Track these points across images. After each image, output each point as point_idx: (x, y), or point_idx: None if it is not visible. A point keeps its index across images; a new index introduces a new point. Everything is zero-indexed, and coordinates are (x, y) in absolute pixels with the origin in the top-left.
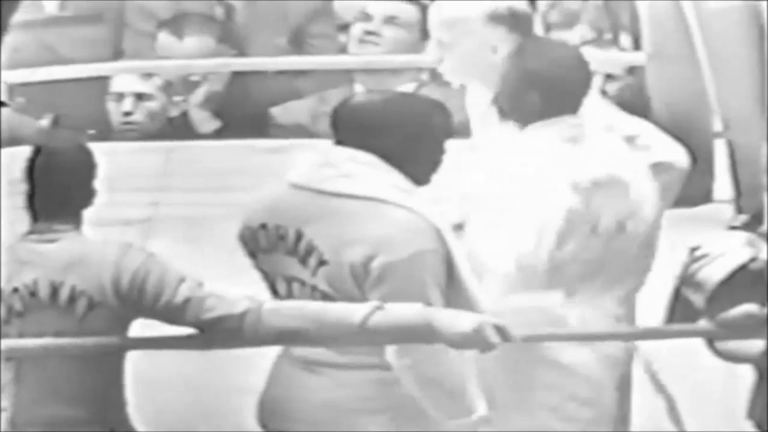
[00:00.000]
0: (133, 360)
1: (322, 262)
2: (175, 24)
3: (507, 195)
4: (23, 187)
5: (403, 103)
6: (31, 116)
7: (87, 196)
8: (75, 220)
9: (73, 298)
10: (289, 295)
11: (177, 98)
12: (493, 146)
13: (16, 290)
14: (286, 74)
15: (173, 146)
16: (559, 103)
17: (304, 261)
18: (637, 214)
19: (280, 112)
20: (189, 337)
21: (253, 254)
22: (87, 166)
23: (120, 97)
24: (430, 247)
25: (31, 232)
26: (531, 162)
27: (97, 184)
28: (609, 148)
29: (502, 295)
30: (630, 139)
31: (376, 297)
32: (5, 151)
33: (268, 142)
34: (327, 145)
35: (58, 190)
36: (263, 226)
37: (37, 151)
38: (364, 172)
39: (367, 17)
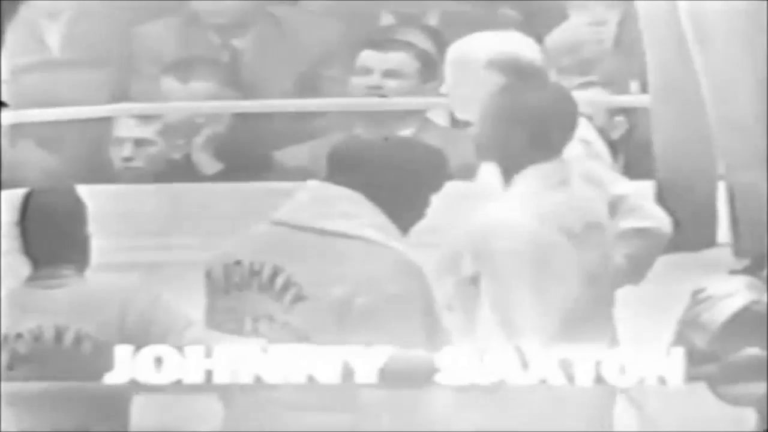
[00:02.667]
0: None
1: (299, 298)
2: (180, 68)
3: (515, 249)
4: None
5: (399, 146)
6: (31, 158)
7: (82, 240)
8: (78, 265)
9: (78, 341)
10: (255, 333)
11: (179, 141)
12: (489, 197)
13: (20, 336)
14: (292, 117)
15: (178, 189)
16: (547, 144)
17: (278, 297)
18: (610, 259)
19: (283, 156)
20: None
21: (218, 292)
22: (77, 211)
23: (120, 141)
24: (413, 288)
25: (33, 278)
26: (529, 211)
27: (91, 228)
28: (590, 192)
29: (546, 347)
30: (618, 199)
31: (358, 335)
32: (7, 193)
33: (271, 185)
34: (316, 184)
35: (53, 235)
36: (238, 263)
37: (27, 195)
38: (351, 211)
39: (367, 71)
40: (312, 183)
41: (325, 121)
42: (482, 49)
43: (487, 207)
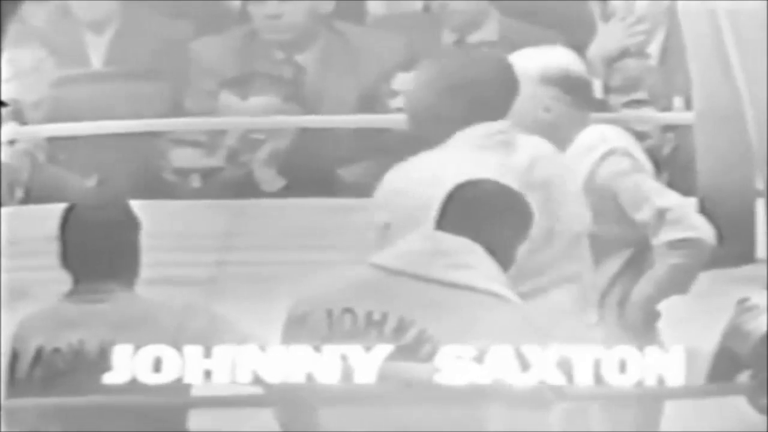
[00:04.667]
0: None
1: (434, 353)
2: (239, 84)
3: (428, 201)
4: (58, 246)
5: (508, 195)
6: (75, 173)
7: (133, 255)
8: (126, 280)
9: None
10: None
11: (242, 159)
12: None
13: (57, 350)
14: (355, 133)
15: (238, 205)
16: (485, 108)
17: (411, 351)
18: (564, 219)
19: (346, 172)
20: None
21: (313, 339)
22: (130, 226)
23: (186, 173)
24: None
25: (74, 292)
26: (464, 171)
27: (144, 243)
28: (539, 152)
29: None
30: (661, 212)
31: None
32: (39, 207)
33: (334, 201)
34: (429, 230)
35: (104, 249)
36: (348, 310)
37: (71, 209)
38: (473, 262)
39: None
40: (425, 230)
41: (388, 137)
42: (534, 65)
43: (417, 158)
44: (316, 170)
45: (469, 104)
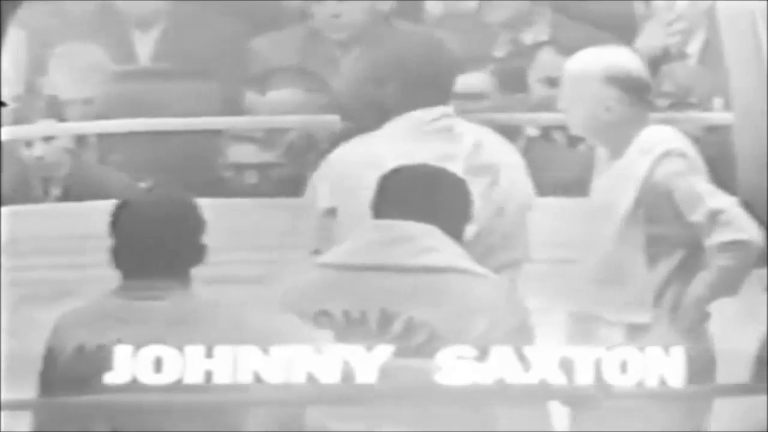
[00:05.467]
0: None
1: (434, 338)
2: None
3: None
4: (108, 243)
5: (443, 177)
6: (126, 171)
7: (196, 253)
8: (183, 278)
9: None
10: None
11: (302, 158)
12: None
13: (102, 347)
14: None
15: (297, 203)
16: (422, 93)
17: (403, 338)
18: (513, 198)
19: None
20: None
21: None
22: (194, 222)
23: (241, 168)
24: (521, 310)
25: (125, 289)
26: (393, 150)
27: (208, 240)
28: (482, 137)
29: None
30: (714, 213)
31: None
32: (84, 205)
33: None
34: (379, 221)
35: (163, 246)
36: (324, 313)
37: (123, 206)
38: (440, 245)
39: (455, 97)
40: (373, 222)
41: None
42: (598, 65)
43: (352, 143)
44: None
45: (404, 90)
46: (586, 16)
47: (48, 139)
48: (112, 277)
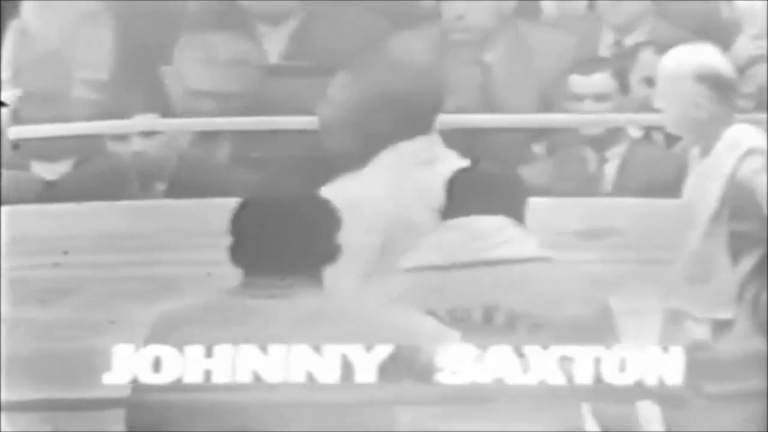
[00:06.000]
0: None
1: (535, 326)
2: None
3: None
4: (227, 240)
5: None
6: (246, 167)
7: (330, 251)
8: (314, 276)
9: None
10: None
11: None
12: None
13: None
14: (530, 133)
15: None
16: (412, 123)
17: (504, 332)
18: None
19: (527, 172)
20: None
21: None
22: (329, 220)
23: None
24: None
25: (248, 286)
26: (386, 186)
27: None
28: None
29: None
30: None
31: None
32: (204, 202)
33: None
34: (455, 221)
35: (293, 243)
36: (432, 313)
37: (248, 202)
38: (518, 235)
39: (577, 98)
40: (453, 221)
41: (554, 138)
42: (688, 62)
43: (343, 182)
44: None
45: (394, 120)
46: (684, 22)
47: (149, 134)
48: (227, 274)
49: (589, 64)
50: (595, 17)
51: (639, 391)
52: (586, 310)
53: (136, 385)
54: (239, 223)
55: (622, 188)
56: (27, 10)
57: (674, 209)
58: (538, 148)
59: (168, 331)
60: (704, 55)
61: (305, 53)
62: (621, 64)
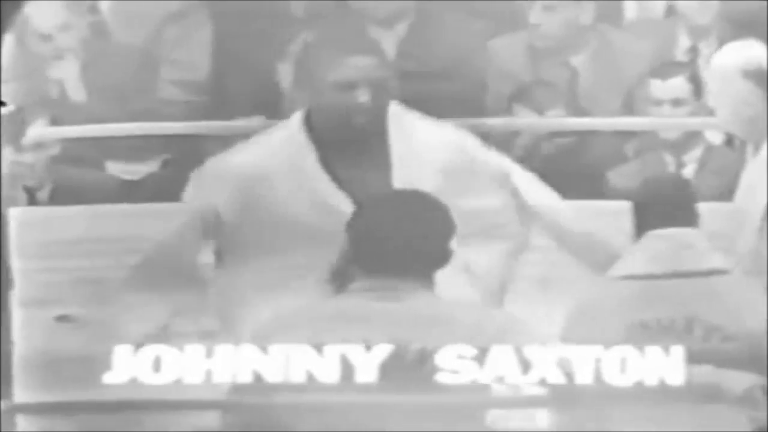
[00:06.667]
0: None
1: (726, 339)
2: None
3: None
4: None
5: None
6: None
7: (443, 256)
8: (426, 280)
9: (423, 357)
10: None
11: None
12: None
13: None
14: (619, 136)
15: None
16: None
17: (700, 344)
18: None
19: (614, 175)
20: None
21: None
22: (444, 225)
23: None
24: None
25: (363, 289)
26: None
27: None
28: None
29: None
30: None
31: None
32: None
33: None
34: (656, 233)
35: (410, 247)
36: (643, 324)
37: (367, 204)
38: (712, 247)
39: (657, 102)
40: (661, 231)
41: (637, 142)
42: (737, 59)
43: None
44: (586, 174)
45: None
46: (752, 26)
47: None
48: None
49: (666, 68)
50: (672, 21)
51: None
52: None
53: (234, 386)
54: (357, 226)
55: (699, 192)
56: (104, 4)
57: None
58: (628, 150)
59: (279, 331)
60: (751, 51)
61: (415, 57)
62: (695, 68)
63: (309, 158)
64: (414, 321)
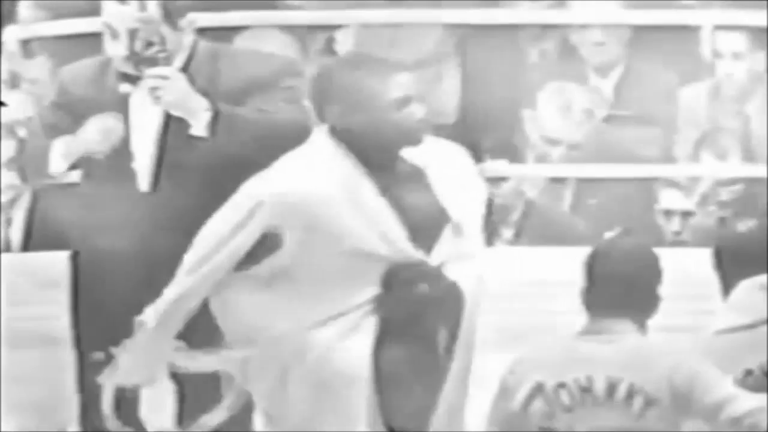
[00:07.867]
0: None
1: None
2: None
3: None
4: (582, 284)
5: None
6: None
7: (651, 301)
8: (639, 322)
9: (630, 396)
10: None
11: (709, 206)
12: None
13: (562, 385)
14: None
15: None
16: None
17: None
18: None
19: None
20: None
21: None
22: (657, 272)
23: (670, 214)
24: None
25: (589, 331)
26: None
27: (663, 290)
28: None
29: None
30: None
31: None
32: (541, 250)
33: None
34: (750, 282)
35: (620, 292)
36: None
37: (600, 251)
38: None
39: None
40: (757, 279)
41: None
42: None
43: None
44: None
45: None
46: None
47: (496, 180)
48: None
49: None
50: (691, 31)
51: None
52: None
53: None
54: (593, 270)
55: None
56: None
57: None
58: None
59: (524, 374)
60: None
61: (628, 102)
62: None
63: (365, 186)
64: (623, 360)
